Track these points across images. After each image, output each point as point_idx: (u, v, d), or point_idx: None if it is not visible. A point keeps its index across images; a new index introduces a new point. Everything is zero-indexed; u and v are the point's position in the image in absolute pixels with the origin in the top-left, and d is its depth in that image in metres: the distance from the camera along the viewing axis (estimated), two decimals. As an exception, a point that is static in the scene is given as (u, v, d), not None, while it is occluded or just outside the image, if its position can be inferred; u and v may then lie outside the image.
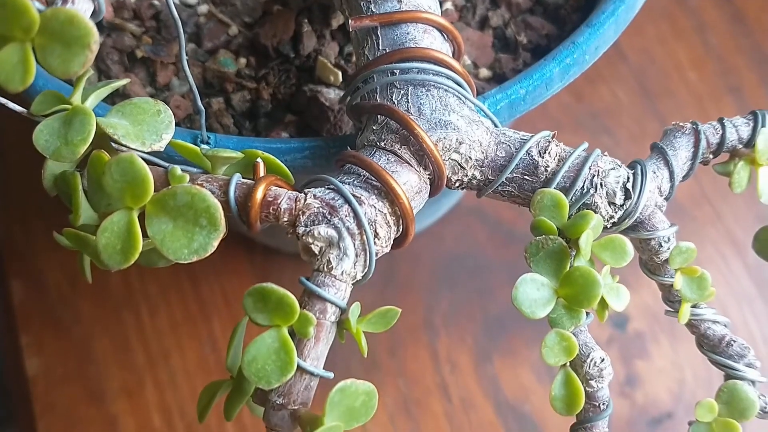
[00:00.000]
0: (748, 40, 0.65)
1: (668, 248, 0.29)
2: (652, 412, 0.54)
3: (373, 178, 0.27)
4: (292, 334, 0.26)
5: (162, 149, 0.26)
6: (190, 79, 0.29)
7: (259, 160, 0.28)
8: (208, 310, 0.58)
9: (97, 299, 0.58)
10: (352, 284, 0.27)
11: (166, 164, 0.27)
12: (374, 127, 0.28)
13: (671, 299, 0.31)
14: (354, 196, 0.26)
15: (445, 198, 0.58)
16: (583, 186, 0.28)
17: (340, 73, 0.37)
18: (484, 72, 0.38)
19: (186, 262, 0.25)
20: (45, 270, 0.59)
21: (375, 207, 0.27)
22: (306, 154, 0.32)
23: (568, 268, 0.27)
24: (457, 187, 0.29)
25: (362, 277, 0.27)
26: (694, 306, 0.31)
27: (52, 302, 0.58)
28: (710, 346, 0.31)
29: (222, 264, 0.59)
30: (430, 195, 0.29)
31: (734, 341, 0.31)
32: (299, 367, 0.26)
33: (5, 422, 0.62)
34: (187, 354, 0.57)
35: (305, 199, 0.26)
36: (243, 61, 0.38)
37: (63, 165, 0.28)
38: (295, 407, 0.26)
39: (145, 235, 0.25)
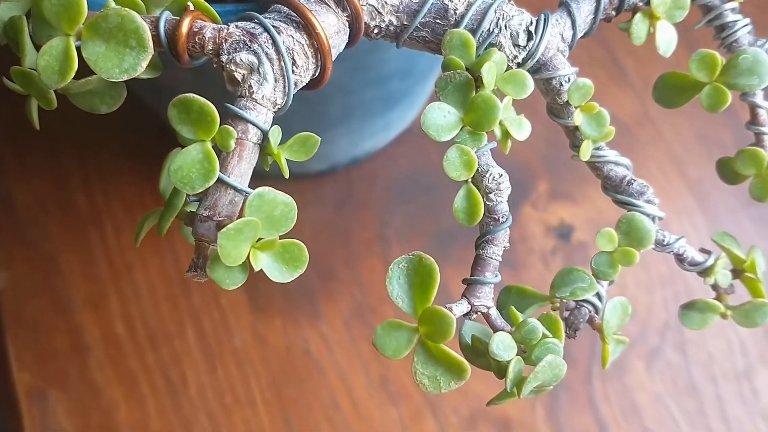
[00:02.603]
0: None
1: (568, 89, 0.31)
2: (594, 315, 0.57)
3: (294, 14, 0.29)
4: (218, 152, 0.28)
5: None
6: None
7: (189, 3, 0.30)
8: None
9: (64, 218, 0.60)
10: (274, 111, 0.29)
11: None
12: (296, -26, 0.31)
13: (576, 143, 0.33)
14: (273, 26, 0.29)
15: (398, 120, 0.60)
16: (489, 27, 0.31)
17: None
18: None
19: (117, 80, 0.28)
20: (14, 191, 0.61)
21: (293, 37, 0.29)
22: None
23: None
24: (376, 34, 0.32)
25: (282, 104, 0.29)
26: (597, 148, 0.33)
27: (21, 221, 0.60)
28: (613, 186, 0.33)
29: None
30: (352, 40, 0.32)
31: (634, 180, 0.33)
32: (223, 182, 0.28)
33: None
34: (149, 268, 0.59)
35: (228, 29, 0.29)
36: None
37: (12, 10, 0.31)
38: (220, 219, 0.28)
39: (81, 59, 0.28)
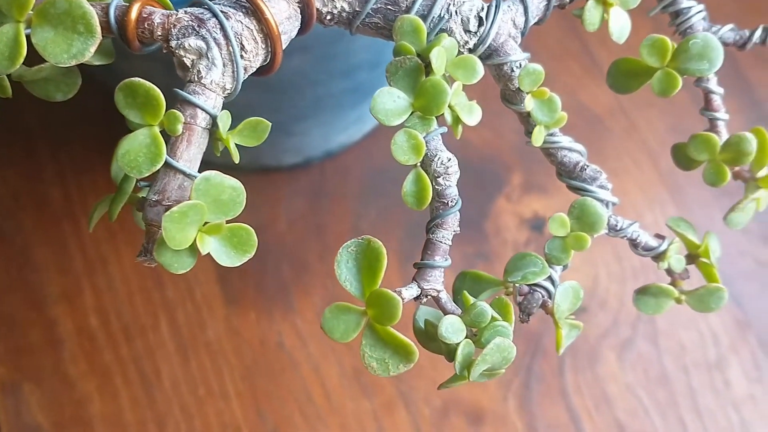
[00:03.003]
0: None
1: (519, 74, 0.32)
2: (567, 306, 0.57)
3: (243, 0, 0.30)
4: (167, 138, 0.28)
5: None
6: None
7: (141, -10, 0.30)
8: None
9: (38, 211, 0.61)
10: (224, 96, 0.29)
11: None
12: (248, -39, 0.31)
13: (530, 130, 0.33)
14: (222, 12, 0.29)
15: (370, 114, 0.60)
16: (440, 13, 0.31)
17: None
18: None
19: (66, 65, 0.28)
20: (-12, 185, 0.61)
21: (242, 23, 0.29)
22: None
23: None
24: (329, 21, 0.32)
25: (232, 89, 0.29)
26: (550, 135, 0.33)
27: (-5, 215, 0.61)
28: (566, 172, 0.34)
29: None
30: (305, 26, 0.32)
31: (587, 166, 0.33)
32: (172, 166, 0.28)
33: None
34: (123, 261, 0.59)
35: (177, 14, 0.29)
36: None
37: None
38: (169, 203, 0.28)
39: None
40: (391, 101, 0.30)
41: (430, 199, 0.29)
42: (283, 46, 0.31)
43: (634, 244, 0.34)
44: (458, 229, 0.31)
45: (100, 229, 0.60)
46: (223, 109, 0.30)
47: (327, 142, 0.60)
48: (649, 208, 0.60)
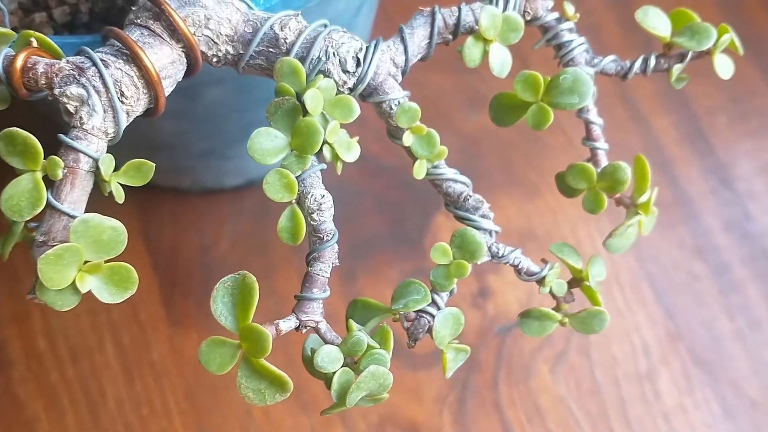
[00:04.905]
0: (605, -17, 0.70)
1: (395, 112, 0.33)
2: (502, 320, 0.59)
3: (124, 48, 0.31)
4: (51, 182, 0.30)
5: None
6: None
7: (32, 39, 0.32)
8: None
9: (-11, 236, 0.62)
10: (108, 141, 0.31)
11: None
12: (134, 9, 0.32)
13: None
14: (102, 60, 0.30)
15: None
16: (318, 55, 0.33)
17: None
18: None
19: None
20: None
21: (122, 70, 0.31)
22: (97, 47, 0.35)
23: (300, 124, 0.31)
24: (216, 63, 0.33)
25: (114, 133, 0.31)
26: (435, 167, 0.35)
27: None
28: (452, 202, 0.35)
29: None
30: (192, 69, 0.33)
31: (470, 196, 0.35)
32: (56, 209, 0.30)
33: None
34: (72, 283, 0.60)
35: (59, 64, 0.30)
36: (67, -20, 0.42)
37: None
38: (55, 243, 0.30)
39: None
40: (269, 141, 0.31)
41: (304, 234, 0.31)
42: (169, 90, 0.32)
43: (517, 270, 0.35)
44: (337, 262, 0.32)
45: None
46: (108, 151, 0.31)
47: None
48: (584, 222, 0.62)
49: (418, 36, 0.34)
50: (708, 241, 0.60)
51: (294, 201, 0.31)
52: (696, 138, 0.64)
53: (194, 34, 0.32)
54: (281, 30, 0.33)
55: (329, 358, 0.31)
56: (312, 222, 0.31)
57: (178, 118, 0.49)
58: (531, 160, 0.63)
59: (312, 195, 0.31)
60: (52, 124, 0.35)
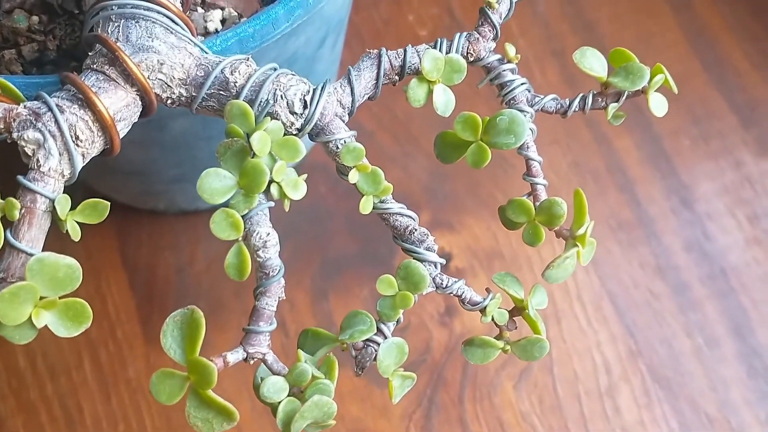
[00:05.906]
0: (572, 8, 0.71)
1: (341, 151, 0.35)
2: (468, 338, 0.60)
3: (79, 93, 0.33)
4: (8, 223, 0.32)
5: None
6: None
7: (-6, 84, 0.34)
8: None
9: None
10: (64, 181, 0.32)
11: None
12: (90, 54, 0.34)
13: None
14: (57, 105, 0.32)
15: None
16: (266, 98, 0.34)
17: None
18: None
19: None
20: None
21: (77, 115, 0.32)
22: (56, 89, 0.37)
23: (248, 164, 0.33)
24: (170, 104, 0.35)
25: (70, 175, 0.32)
26: (382, 202, 0.36)
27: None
28: (399, 235, 0.37)
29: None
30: (147, 111, 0.35)
31: (416, 229, 0.36)
32: (15, 247, 0.31)
33: None
34: (51, 302, 0.62)
35: (17, 109, 0.32)
36: (35, 18, 0.44)
37: None
38: (14, 280, 0.31)
39: None
40: (218, 181, 0.33)
41: (249, 270, 0.32)
42: (124, 131, 0.34)
43: (461, 300, 0.37)
44: (283, 295, 0.34)
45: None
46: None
47: (241, 186, 0.63)
48: (548, 242, 0.63)
49: (365, 78, 0.36)
50: (668, 261, 0.62)
51: (240, 239, 0.33)
52: (658, 159, 0.66)
53: (148, 78, 0.34)
54: (231, 74, 0.34)
55: (275, 388, 0.32)
56: (258, 258, 0.33)
57: (149, 146, 0.51)
58: (497, 182, 0.65)
59: (257, 233, 0.32)
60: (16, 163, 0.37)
